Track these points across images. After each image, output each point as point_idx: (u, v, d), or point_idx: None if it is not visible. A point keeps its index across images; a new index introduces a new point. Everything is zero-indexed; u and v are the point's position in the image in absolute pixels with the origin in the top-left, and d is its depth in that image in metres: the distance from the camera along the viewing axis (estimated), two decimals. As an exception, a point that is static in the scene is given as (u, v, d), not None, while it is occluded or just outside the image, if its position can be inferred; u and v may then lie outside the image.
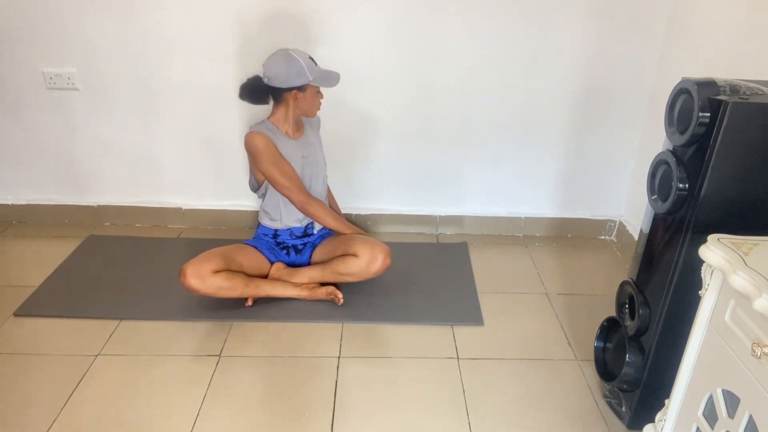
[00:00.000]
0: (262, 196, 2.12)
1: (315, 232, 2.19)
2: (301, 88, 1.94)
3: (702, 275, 1.17)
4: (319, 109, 2.06)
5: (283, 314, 2.01)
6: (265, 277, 2.10)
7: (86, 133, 2.47)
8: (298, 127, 2.08)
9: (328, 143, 2.30)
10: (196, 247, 2.31)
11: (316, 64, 1.95)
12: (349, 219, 2.62)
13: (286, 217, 2.11)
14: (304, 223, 2.14)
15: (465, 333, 1.96)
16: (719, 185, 1.26)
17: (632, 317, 1.57)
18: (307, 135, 2.11)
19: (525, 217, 2.64)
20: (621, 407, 1.61)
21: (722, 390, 1.11)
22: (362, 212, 2.64)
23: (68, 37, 2.28)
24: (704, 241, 1.13)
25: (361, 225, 2.64)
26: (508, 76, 2.35)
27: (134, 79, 2.36)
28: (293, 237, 2.16)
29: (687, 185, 1.31)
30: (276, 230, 2.14)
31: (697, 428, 1.20)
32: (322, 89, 2.03)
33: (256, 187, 2.11)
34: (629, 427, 1.58)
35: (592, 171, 2.54)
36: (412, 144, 2.49)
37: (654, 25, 2.24)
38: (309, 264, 2.18)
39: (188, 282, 1.86)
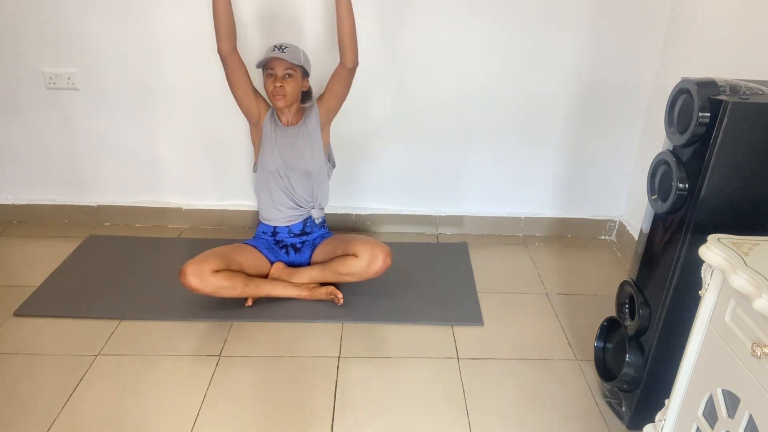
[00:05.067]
0: (255, 171, 2.13)
1: (313, 230, 2.19)
2: (263, 72, 2.00)
3: (702, 275, 1.17)
4: (276, 97, 1.96)
5: (283, 314, 2.01)
6: (265, 277, 2.11)
7: (86, 133, 2.47)
8: (297, 114, 2.09)
9: (328, 143, 2.30)
10: (196, 247, 2.31)
11: (275, 50, 1.95)
12: (349, 219, 2.62)
13: (272, 211, 2.12)
14: (298, 219, 2.14)
15: (465, 333, 1.96)
16: (719, 185, 1.26)
17: (632, 317, 1.57)
18: (305, 123, 2.08)
19: (525, 217, 2.64)
20: (621, 407, 1.61)
21: (722, 390, 1.11)
22: (362, 212, 2.64)
23: (68, 37, 2.28)
24: (704, 241, 1.13)
25: (362, 225, 2.64)
26: (508, 75, 2.35)
27: (134, 79, 2.36)
28: (291, 235, 2.16)
29: (687, 185, 1.31)
30: (275, 228, 2.14)
31: (697, 428, 1.20)
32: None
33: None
34: (629, 427, 1.58)
35: (592, 171, 2.54)
36: (412, 144, 2.49)
37: (654, 25, 2.24)
38: (309, 264, 2.18)
39: (188, 281, 1.86)
